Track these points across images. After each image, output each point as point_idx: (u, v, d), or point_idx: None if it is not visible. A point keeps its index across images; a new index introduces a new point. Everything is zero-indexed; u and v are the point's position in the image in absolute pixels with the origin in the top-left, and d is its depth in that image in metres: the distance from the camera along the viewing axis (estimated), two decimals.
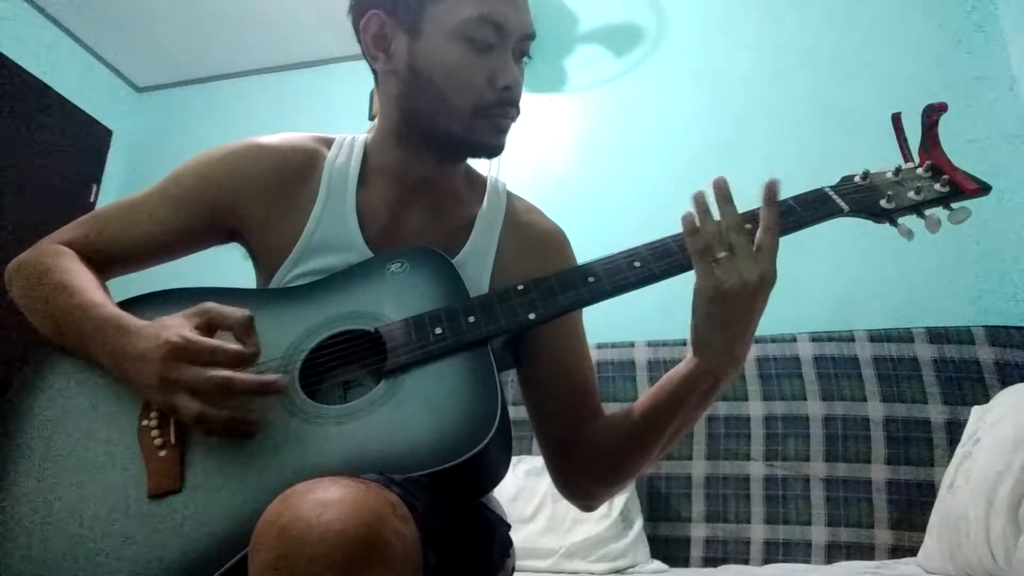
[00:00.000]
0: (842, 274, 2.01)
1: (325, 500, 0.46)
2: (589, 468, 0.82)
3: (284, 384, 0.63)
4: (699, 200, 0.70)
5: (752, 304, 0.67)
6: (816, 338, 1.84)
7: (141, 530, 0.59)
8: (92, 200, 2.97)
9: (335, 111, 2.81)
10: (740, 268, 0.66)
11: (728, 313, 0.67)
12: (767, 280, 0.66)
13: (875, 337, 1.79)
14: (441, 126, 0.80)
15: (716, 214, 0.70)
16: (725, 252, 0.67)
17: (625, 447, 0.78)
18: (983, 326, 1.73)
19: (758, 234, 0.68)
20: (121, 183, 3.09)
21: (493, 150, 0.82)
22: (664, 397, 0.73)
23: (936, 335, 1.74)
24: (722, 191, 0.70)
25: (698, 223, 0.69)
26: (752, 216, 0.70)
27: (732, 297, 0.66)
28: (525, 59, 0.84)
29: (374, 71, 0.85)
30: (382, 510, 0.47)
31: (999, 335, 1.71)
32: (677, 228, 0.71)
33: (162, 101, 3.31)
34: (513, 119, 0.82)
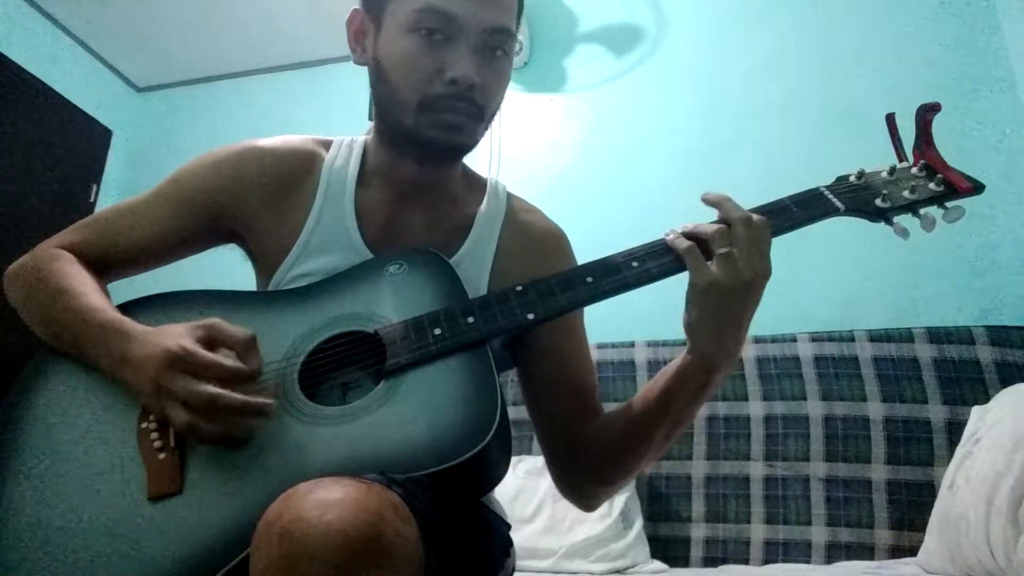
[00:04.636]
0: (842, 274, 2.01)
1: (326, 500, 0.46)
2: (589, 466, 0.81)
3: (270, 408, 0.63)
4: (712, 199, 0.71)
5: (746, 298, 0.67)
6: (816, 338, 1.84)
7: (141, 532, 0.59)
8: (92, 200, 2.96)
9: (335, 111, 2.80)
10: (740, 262, 0.66)
11: (721, 307, 0.67)
12: (763, 275, 0.67)
13: (875, 337, 1.78)
14: (394, 119, 0.79)
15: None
16: (726, 248, 0.67)
17: (623, 443, 0.77)
18: (983, 326, 1.73)
19: (750, 230, 0.68)
20: (121, 183, 3.09)
21: (443, 147, 0.79)
22: (659, 392, 0.73)
23: (936, 335, 1.74)
24: (713, 198, 0.71)
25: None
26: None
27: (727, 291, 0.66)
28: (499, 53, 0.78)
29: None
30: (383, 510, 0.47)
31: (999, 335, 1.70)
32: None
33: (162, 101, 3.30)
34: (468, 115, 0.77)
